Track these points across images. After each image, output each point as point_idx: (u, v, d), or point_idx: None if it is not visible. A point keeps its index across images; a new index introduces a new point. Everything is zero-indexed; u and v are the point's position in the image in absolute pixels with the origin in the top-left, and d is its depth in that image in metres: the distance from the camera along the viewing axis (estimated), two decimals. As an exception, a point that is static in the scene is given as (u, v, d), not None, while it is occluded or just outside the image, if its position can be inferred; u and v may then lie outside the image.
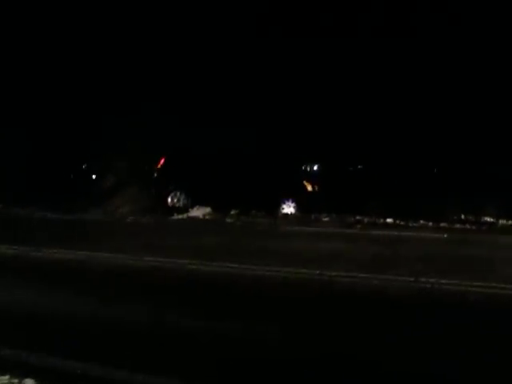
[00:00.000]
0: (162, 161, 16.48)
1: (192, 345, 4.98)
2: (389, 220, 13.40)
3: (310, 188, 15.25)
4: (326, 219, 14.07)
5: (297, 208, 14.93)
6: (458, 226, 12.64)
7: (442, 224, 12.71)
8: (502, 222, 12.87)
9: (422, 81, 15.28)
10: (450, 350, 4.76)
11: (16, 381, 4.19)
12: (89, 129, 17.79)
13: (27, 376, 4.24)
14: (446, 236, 11.21)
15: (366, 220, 13.59)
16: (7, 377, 4.24)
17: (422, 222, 12.98)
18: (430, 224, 12.80)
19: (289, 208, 15.01)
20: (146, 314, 5.83)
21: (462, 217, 13.31)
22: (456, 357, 4.59)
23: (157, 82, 17.09)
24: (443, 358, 4.56)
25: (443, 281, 6.97)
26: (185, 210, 15.59)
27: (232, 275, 7.73)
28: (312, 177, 15.75)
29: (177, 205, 15.90)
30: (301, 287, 7.09)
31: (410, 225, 12.87)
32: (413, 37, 15.46)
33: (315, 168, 16.49)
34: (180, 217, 15.22)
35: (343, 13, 16.09)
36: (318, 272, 7.63)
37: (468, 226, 12.55)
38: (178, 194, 15.98)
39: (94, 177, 18.00)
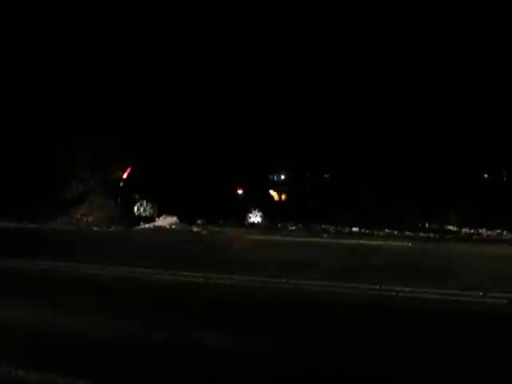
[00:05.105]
0: (128, 170, 16.35)
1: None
2: (355, 229, 13.54)
3: (276, 197, 15.32)
4: (292, 228, 14.13)
5: (264, 217, 14.97)
6: (421, 234, 12.82)
7: (407, 233, 12.89)
8: (464, 230, 13.11)
9: (387, 93, 15.49)
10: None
11: None
12: (53, 135, 17.50)
13: None
14: (410, 245, 11.36)
15: (332, 229, 13.70)
16: None
17: (387, 230, 13.14)
18: (395, 232, 12.97)
19: (256, 217, 15.04)
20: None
21: (426, 225, 13.55)
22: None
23: (125, 91, 16.96)
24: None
25: (407, 289, 7.06)
26: (151, 219, 15.48)
27: (196, 284, 7.69)
28: (279, 186, 15.84)
29: (143, 214, 15.77)
30: (266, 296, 7.08)
31: (376, 233, 13.01)
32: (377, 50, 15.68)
33: (282, 177, 16.60)
34: (146, 226, 15.10)
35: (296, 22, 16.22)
36: (284, 281, 7.64)
37: (432, 235, 12.74)
38: (145, 203, 15.87)
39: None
